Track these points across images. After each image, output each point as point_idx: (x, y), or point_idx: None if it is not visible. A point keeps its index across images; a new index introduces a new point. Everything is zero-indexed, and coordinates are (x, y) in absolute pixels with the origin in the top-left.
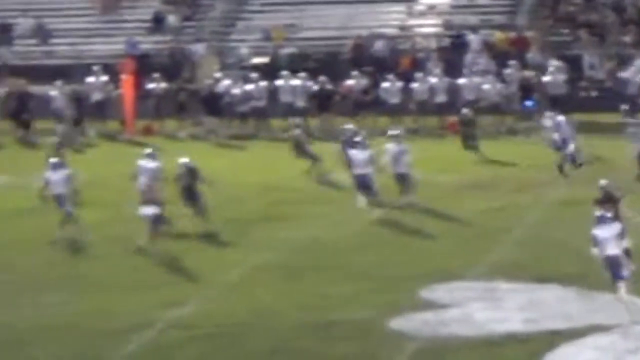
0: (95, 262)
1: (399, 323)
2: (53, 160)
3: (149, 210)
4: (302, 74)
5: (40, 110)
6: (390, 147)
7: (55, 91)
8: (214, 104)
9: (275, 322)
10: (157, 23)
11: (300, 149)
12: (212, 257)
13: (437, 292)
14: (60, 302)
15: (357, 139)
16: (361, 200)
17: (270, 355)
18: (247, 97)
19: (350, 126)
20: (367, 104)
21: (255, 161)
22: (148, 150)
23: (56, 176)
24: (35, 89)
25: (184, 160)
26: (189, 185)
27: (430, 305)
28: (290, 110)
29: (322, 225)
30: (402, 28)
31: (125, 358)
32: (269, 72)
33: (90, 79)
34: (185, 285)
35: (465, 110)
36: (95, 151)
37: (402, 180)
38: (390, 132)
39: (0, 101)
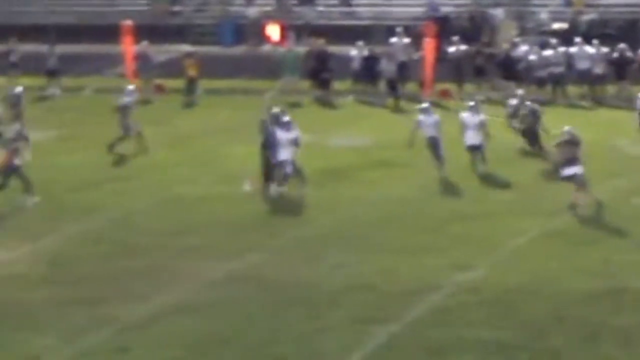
0: (381, 225)
1: None
2: (424, 105)
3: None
4: (596, 41)
5: (339, 71)
6: None
7: (355, 51)
8: (510, 69)
9: (560, 289)
10: None
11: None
12: (502, 222)
13: None
14: (353, 263)
15: None
16: None
17: (555, 322)
18: (545, 62)
19: None
20: None
21: None
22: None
23: (429, 120)
24: (335, 49)
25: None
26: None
27: None
28: (586, 77)
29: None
30: None
31: (415, 319)
32: (567, 38)
33: (394, 40)
34: (474, 249)
35: None
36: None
37: None
38: None
39: (301, 60)
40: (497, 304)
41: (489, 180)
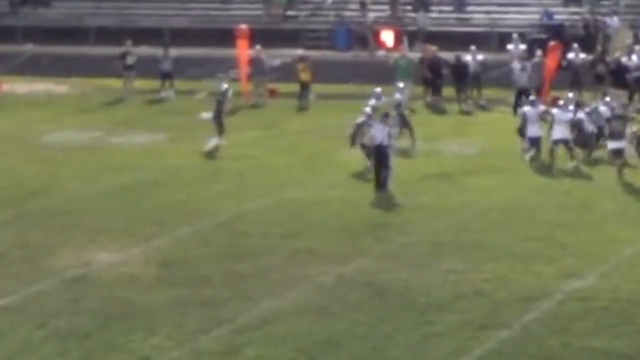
0: (489, 231)
1: None
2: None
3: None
4: None
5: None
6: None
7: (469, 57)
8: (621, 77)
9: None
10: None
11: None
12: (610, 231)
13: None
14: (462, 269)
15: None
16: None
17: None
18: None
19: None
20: None
21: None
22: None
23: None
24: (448, 55)
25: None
26: None
27: None
28: None
29: None
30: None
31: (525, 327)
32: None
33: (510, 46)
34: (583, 257)
35: None
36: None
37: None
38: None
39: (414, 66)
40: (608, 313)
41: (596, 188)
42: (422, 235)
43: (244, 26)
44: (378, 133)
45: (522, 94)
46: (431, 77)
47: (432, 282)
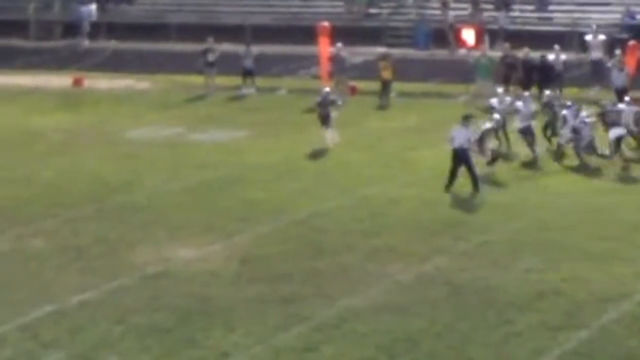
0: (567, 231)
1: None
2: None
3: None
4: None
5: None
6: None
7: (552, 56)
8: None
9: None
10: None
11: None
12: None
13: None
14: (541, 268)
15: None
16: None
17: None
18: None
19: None
20: None
21: None
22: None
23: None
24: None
25: None
26: None
27: None
28: None
29: None
30: None
31: (604, 327)
32: None
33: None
34: None
35: None
36: None
37: None
38: None
39: (495, 65)
40: None
41: None
42: (500, 234)
43: (325, 23)
44: (458, 136)
45: (620, 95)
46: (511, 76)
47: (510, 281)
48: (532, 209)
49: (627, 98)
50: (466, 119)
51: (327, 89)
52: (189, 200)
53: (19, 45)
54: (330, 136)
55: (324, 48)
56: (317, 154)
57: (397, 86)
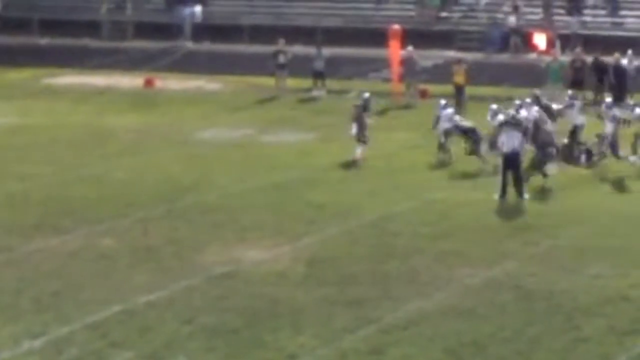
0: (630, 236)
1: None
2: None
3: None
4: None
5: None
6: None
7: (624, 61)
8: None
9: None
10: None
11: None
12: None
13: None
14: (609, 274)
15: None
16: None
17: None
18: None
19: None
20: None
21: None
22: None
23: None
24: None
25: None
26: None
27: None
28: None
29: None
30: None
31: None
32: None
33: None
34: None
35: None
36: None
37: None
38: None
39: (565, 69)
40: None
41: None
42: (569, 239)
43: (396, 26)
44: (511, 140)
45: None
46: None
47: (578, 286)
48: (600, 215)
49: None
50: (519, 124)
51: (367, 94)
52: (259, 201)
53: (91, 45)
54: (360, 150)
55: (395, 51)
56: (385, 157)
57: (467, 90)
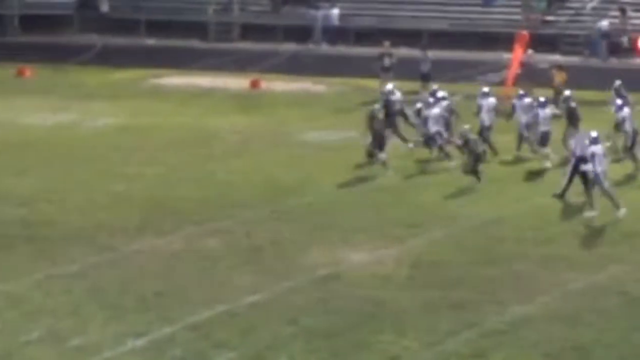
0: None
1: None
2: None
3: None
4: None
5: None
6: None
7: None
8: None
9: None
10: None
11: None
12: None
13: None
14: None
15: None
16: None
17: None
18: None
19: None
20: None
21: None
22: None
23: None
24: None
25: None
26: None
27: None
28: None
29: None
30: None
31: None
32: None
33: None
34: None
35: None
36: None
37: None
38: None
39: None
40: None
41: None
42: None
43: (524, 32)
44: (580, 144)
45: None
46: None
47: None
48: None
49: None
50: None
51: (377, 106)
52: (363, 203)
53: (197, 46)
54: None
55: (518, 56)
56: (493, 161)
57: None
